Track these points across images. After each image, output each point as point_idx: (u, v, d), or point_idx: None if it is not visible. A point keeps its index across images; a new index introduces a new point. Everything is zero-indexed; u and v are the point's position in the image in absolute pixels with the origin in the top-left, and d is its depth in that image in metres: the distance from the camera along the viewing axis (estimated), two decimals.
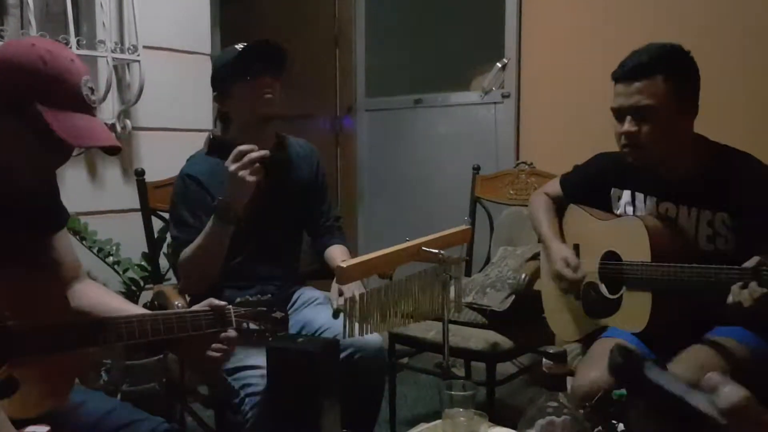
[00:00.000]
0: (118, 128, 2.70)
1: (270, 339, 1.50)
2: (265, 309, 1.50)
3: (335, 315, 1.45)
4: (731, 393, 0.85)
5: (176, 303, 1.81)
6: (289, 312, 1.63)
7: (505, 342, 2.18)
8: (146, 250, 2.34)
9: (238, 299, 1.50)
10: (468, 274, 2.56)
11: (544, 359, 1.08)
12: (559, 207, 1.97)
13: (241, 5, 4.01)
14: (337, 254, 2.03)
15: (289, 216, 2.04)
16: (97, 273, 2.53)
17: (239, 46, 1.91)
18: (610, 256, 1.74)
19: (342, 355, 1.72)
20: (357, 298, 1.44)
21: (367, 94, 3.87)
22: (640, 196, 1.78)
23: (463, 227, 1.69)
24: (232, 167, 1.74)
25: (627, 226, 1.72)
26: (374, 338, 1.84)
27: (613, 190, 1.84)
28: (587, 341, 1.83)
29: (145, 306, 1.92)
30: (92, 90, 1.25)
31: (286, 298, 2.00)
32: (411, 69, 3.82)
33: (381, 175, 3.82)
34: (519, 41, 3.20)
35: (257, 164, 1.76)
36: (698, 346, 1.58)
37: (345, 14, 3.92)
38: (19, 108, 1.17)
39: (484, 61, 3.37)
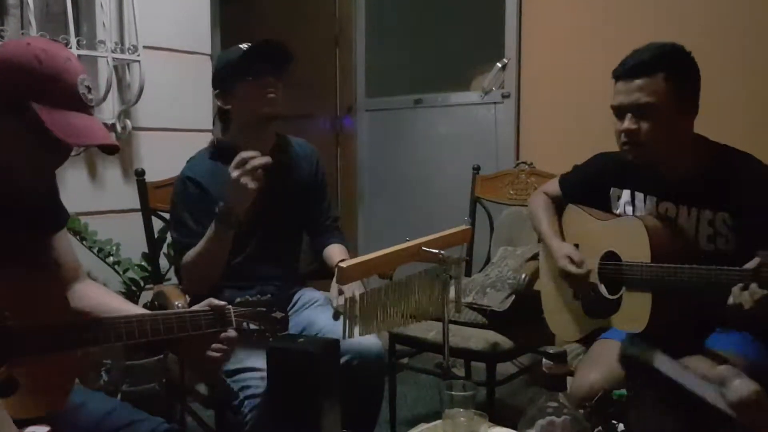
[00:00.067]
0: (119, 128, 2.70)
1: (270, 339, 1.50)
2: (264, 309, 1.50)
3: (335, 317, 1.45)
4: (742, 386, 0.85)
5: (176, 303, 1.81)
6: (289, 313, 1.63)
7: (505, 342, 2.18)
8: (146, 251, 2.34)
9: (238, 299, 1.50)
10: (468, 274, 2.56)
11: (544, 359, 1.08)
12: (558, 207, 1.96)
13: (241, 5, 4.01)
14: (336, 253, 2.04)
15: (289, 216, 2.04)
16: (97, 273, 2.54)
17: (243, 46, 1.91)
18: (610, 257, 1.74)
19: (341, 361, 1.72)
20: (357, 298, 1.44)
21: (367, 94, 3.87)
22: (639, 195, 1.77)
23: (463, 227, 1.69)
24: (235, 174, 1.75)
25: (626, 227, 1.72)
26: (373, 344, 1.84)
27: (612, 189, 1.84)
28: (587, 341, 1.83)
29: (145, 306, 1.91)
30: (89, 89, 1.24)
31: (286, 299, 2.00)
32: (411, 69, 3.82)
33: (381, 175, 3.82)
34: (519, 41, 3.20)
35: (259, 170, 1.76)
36: (697, 357, 1.57)
37: (345, 14, 3.92)
38: (16, 108, 1.17)
39: (484, 61, 3.37)
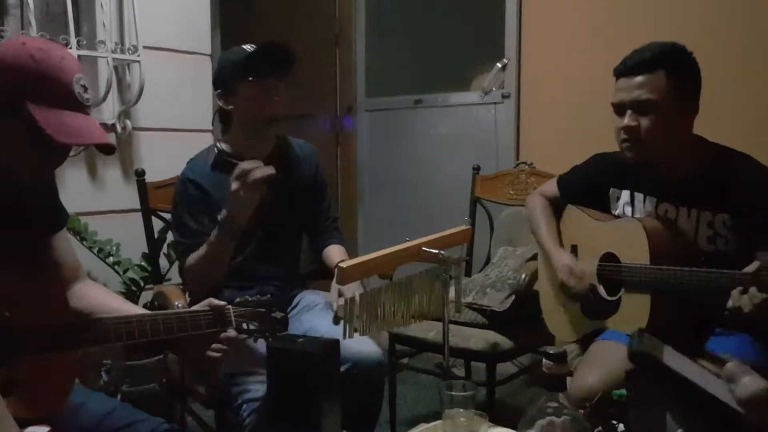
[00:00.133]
0: (119, 128, 2.70)
1: (269, 339, 1.50)
2: (264, 309, 1.50)
3: (336, 321, 1.45)
4: (751, 383, 0.85)
5: (176, 303, 1.81)
6: (289, 316, 1.63)
7: (505, 342, 2.18)
8: (146, 251, 2.34)
9: (238, 299, 1.50)
10: (468, 274, 2.56)
11: (544, 359, 1.08)
12: (556, 208, 1.96)
13: (241, 5, 4.01)
14: (336, 254, 2.04)
15: (289, 217, 2.04)
16: (97, 273, 2.54)
17: (247, 47, 1.90)
18: (609, 258, 1.74)
19: (340, 370, 1.72)
20: (357, 298, 1.44)
21: (367, 94, 3.87)
22: (639, 196, 1.77)
23: (463, 227, 1.68)
24: (234, 186, 1.74)
25: (625, 228, 1.72)
26: (373, 351, 1.83)
27: (611, 190, 1.84)
28: (585, 342, 1.83)
29: (145, 306, 1.91)
30: (85, 88, 1.23)
31: (286, 300, 2.00)
32: (411, 69, 3.82)
33: (381, 175, 3.82)
34: (519, 41, 3.20)
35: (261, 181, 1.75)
36: (697, 359, 1.57)
37: (345, 14, 3.92)
38: (13, 107, 1.17)
39: (484, 61, 3.37)
